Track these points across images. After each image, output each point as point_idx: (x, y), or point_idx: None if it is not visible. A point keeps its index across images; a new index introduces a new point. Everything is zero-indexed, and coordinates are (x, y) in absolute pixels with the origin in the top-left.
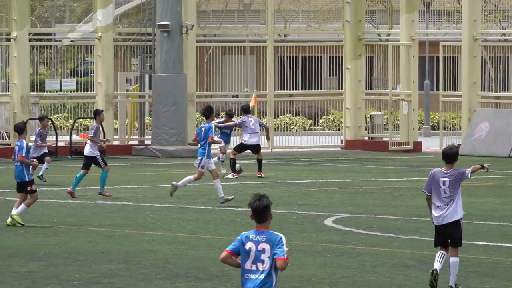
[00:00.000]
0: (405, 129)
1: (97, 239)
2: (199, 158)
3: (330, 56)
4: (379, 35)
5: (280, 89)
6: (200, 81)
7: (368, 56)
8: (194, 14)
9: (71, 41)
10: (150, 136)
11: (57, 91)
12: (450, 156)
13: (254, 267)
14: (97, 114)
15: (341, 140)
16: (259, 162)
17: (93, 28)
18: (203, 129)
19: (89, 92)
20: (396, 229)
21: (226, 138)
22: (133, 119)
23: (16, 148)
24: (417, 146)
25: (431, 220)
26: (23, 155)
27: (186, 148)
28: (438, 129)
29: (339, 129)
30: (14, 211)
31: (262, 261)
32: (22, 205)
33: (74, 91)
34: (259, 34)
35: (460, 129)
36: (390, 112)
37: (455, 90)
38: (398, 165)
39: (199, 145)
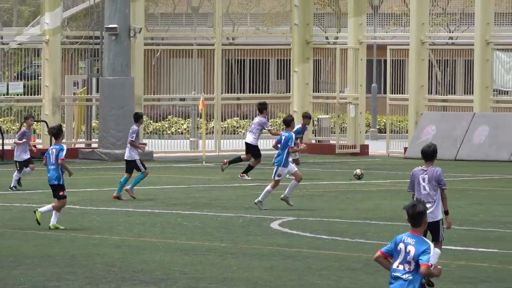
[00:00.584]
0: (352, 132)
1: (43, 242)
2: (276, 166)
3: (278, 59)
4: (327, 38)
5: (228, 92)
6: (148, 84)
7: (316, 59)
8: (142, 17)
9: (19, 44)
10: (97, 140)
11: (4, 95)
12: (428, 153)
13: (401, 267)
14: (139, 117)
15: None
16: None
17: (41, 31)
18: (283, 137)
19: (36, 96)
20: (343, 232)
21: None
22: (80, 122)
23: (55, 151)
24: (364, 149)
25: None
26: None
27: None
28: (385, 132)
29: None
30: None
31: (409, 263)
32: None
33: (21, 94)
34: (207, 37)
35: (407, 132)
36: (337, 115)
37: (402, 93)
38: (345, 168)
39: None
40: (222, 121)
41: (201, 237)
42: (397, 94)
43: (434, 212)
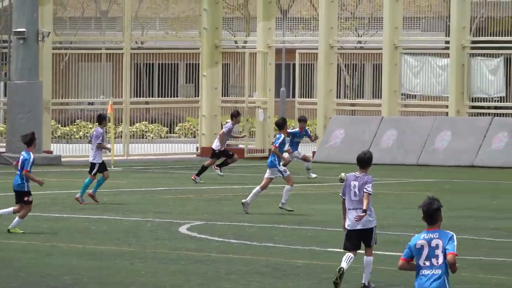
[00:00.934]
0: (261, 136)
1: None
2: (269, 167)
3: (186, 63)
4: (236, 42)
5: (137, 97)
6: (56, 88)
7: (225, 63)
8: (50, 21)
9: None
10: (4, 144)
11: None
12: (364, 160)
13: (428, 263)
14: (103, 119)
15: (197, 148)
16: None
17: None
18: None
19: None
20: (251, 236)
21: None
22: None
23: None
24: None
25: (343, 227)
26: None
27: (41, 155)
28: None
29: (195, 136)
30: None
31: (437, 256)
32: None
33: None
34: (116, 41)
35: None
36: (246, 119)
37: (311, 97)
38: (253, 172)
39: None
40: (130, 125)
41: (109, 241)
42: (305, 98)
43: (370, 219)
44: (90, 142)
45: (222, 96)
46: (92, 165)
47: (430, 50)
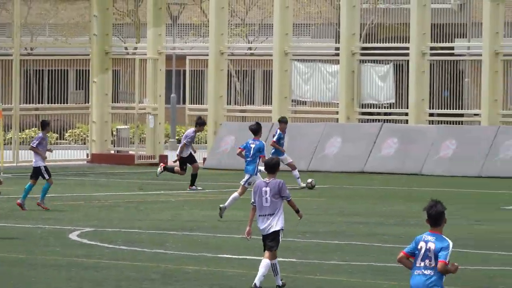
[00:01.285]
0: (151, 143)
1: None
2: (248, 175)
3: (76, 70)
4: (126, 48)
5: (26, 103)
6: None
7: (115, 70)
8: None
9: None
10: None
11: None
12: (271, 166)
13: (422, 264)
14: (46, 125)
15: (87, 154)
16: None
17: None
18: (252, 146)
19: None
20: (141, 243)
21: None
22: None
23: None
24: (163, 159)
25: (246, 234)
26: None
27: None
28: None
29: (85, 143)
30: None
31: (430, 258)
32: None
33: None
34: (5, 47)
35: (206, 143)
36: (136, 125)
37: (201, 104)
38: (144, 178)
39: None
40: (20, 132)
41: None
42: (196, 104)
43: (275, 223)
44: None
45: (113, 102)
46: (37, 169)
47: (320, 56)
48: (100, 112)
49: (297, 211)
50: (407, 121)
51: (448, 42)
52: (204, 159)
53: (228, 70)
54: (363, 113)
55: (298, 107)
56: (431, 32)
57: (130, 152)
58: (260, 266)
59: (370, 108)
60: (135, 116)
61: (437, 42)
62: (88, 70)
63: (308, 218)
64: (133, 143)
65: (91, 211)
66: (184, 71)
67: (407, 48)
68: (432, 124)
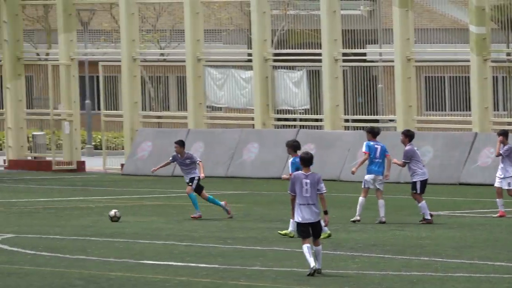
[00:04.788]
0: (68, 149)
1: None
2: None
3: None
4: (38, 54)
5: None
6: None
7: (28, 76)
8: None
9: None
10: None
11: None
12: (307, 159)
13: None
14: None
15: (4, 160)
16: None
17: None
18: (377, 147)
19: None
20: (63, 249)
21: None
22: None
23: None
24: (81, 165)
25: (292, 218)
26: None
27: None
28: (101, 149)
29: (1, 149)
30: None
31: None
32: None
33: None
34: None
35: (123, 149)
36: (52, 131)
37: (116, 110)
38: (62, 184)
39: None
40: None
41: None
42: (111, 110)
43: (317, 213)
44: None
45: (27, 108)
46: None
47: (233, 62)
48: (15, 118)
49: (325, 212)
50: (322, 127)
51: (360, 48)
52: (122, 165)
53: (141, 76)
54: (279, 119)
55: (214, 113)
56: (343, 38)
57: (47, 158)
58: (304, 252)
59: (285, 114)
60: (51, 122)
61: (349, 48)
62: (1, 76)
63: (227, 224)
64: (50, 149)
65: (11, 217)
66: (98, 77)
67: (320, 54)
68: (348, 130)
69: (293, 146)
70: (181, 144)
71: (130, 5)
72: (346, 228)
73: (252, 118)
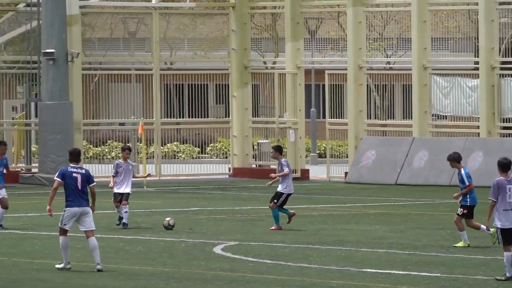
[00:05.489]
0: (292, 157)
1: None
2: None
3: (216, 84)
4: (265, 63)
5: (167, 117)
6: (87, 108)
7: (254, 84)
8: (79, 42)
9: None
10: (37, 164)
11: None
12: (506, 164)
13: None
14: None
15: (229, 168)
16: None
17: None
18: None
19: None
20: (285, 257)
21: None
22: (20, 147)
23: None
24: (305, 174)
25: (487, 228)
26: None
27: None
28: (325, 157)
29: (226, 157)
30: None
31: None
32: None
33: None
34: (144, 62)
35: (347, 157)
36: (277, 139)
37: (341, 118)
38: None
39: None
40: (162, 146)
41: (144, 262)
42: (336, 118)
43: None
44: None
45: (253, 116)
46: None
47: (459, 70)
48: (240, 126)
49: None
50: None
51: None
52: (346, 173)
53: (367, 85)
54: (504, 127)
55: (439, 121)
56: None
57: (271, 166)
58: (505, 261)
59: None
60: (276, 130)
61: None
62: (228, 85)
63: (451, 233)
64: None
65: (234, 224)
66: (323, 85)
67: None
68: None
69: (456, 158)
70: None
71: (358, 14)
72: None
73: (478, 127)
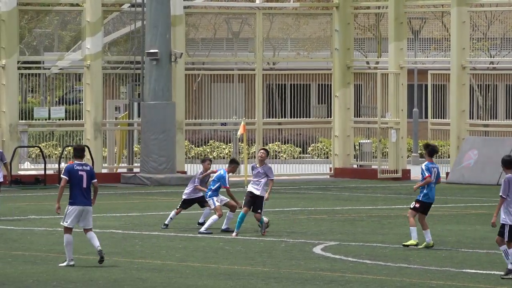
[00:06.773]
0: (394, 157)
1: (86, 267)
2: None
3: (318, 84)
4: (367, 63)
5: (269, 117)
6: (189, 109)
7: (357, 84)
8: (183, 42)
9: (60, 69)
10: (139, 164)
11: (45, 119)
12: (508, 162)
13: None
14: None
15: (330, 168)
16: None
17: (82, 56)
18: None
19: (78, 120)
20: (385, 257)
21: None
22: (122, 147)
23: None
24: (406, 174)
25: (493, 222)
26: None
27: (175, 176)
28: None
29: (327, 157)
30: None
31: None
32: None
33: (63, 119)
34: (247, 62)
35: (448, 157)
36: (378, 140)
37: (443, 118)
38: (386, 193)
39: None
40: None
41: (243, 261)
42: (438, 119)
43: None
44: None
45: (355, 116)
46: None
47: None
48: (342, 126)
49: None
50: None
51: None
52: (447, 174)
53: (470, 85)
54: None
55: None
56: None
57: (373, 167)
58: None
59: None
60: (378, 131)
61: None
62: (330, 85)
63: None
64: (375, 158)
65: (334, 225)
66: (426, 86)
67: None
68: None
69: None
70: None
71: (462, 13)
72: None
73: None
